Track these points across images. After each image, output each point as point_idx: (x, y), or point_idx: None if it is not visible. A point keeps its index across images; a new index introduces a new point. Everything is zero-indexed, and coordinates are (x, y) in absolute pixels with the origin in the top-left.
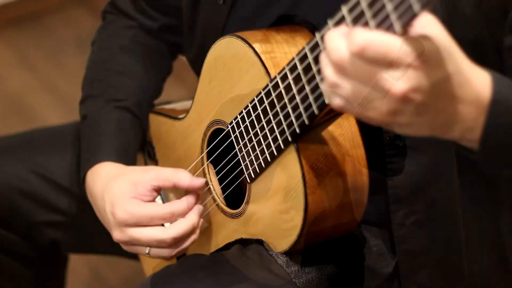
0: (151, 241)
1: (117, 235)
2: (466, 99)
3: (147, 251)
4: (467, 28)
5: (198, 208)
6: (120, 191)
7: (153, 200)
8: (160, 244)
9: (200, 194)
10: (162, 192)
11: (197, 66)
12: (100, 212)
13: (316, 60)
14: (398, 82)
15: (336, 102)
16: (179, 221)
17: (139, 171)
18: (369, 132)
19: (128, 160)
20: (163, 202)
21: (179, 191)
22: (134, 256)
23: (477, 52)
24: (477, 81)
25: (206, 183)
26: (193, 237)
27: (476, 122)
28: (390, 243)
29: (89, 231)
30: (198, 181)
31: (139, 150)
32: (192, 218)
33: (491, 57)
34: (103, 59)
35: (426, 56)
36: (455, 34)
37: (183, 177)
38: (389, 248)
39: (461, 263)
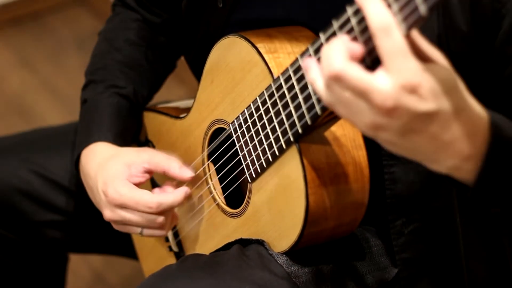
0: (139, 206)
1: (108, 214)
2: (463, 137)
3: (139, 231)
4: (464, 43)
5: (184, 189)
6: (114, 171)
7: (146, 181)
8: (146, 209)
9: (191, 190)
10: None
11: (196, 67)
12: (92, 191)
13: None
14: (386, 97)
15: (326, 99)
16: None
17: (132, 152)
18: (367, 142)
19: (124, 144)
20: (153, 184)
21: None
22: (134, 256)
23: (472, 66)
24: (477, 121)
25: (206, 182)
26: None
27: (467, 162)
28: (391, 247)
29: (89, 231)
30: (187, 172)
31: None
32: (178, 195)
33: (484, 72)
34: (108, 49)
35: (430, 84)
36: (452, 47)
37: (173, 166)
38: (389, 250)
39: (461, 271)
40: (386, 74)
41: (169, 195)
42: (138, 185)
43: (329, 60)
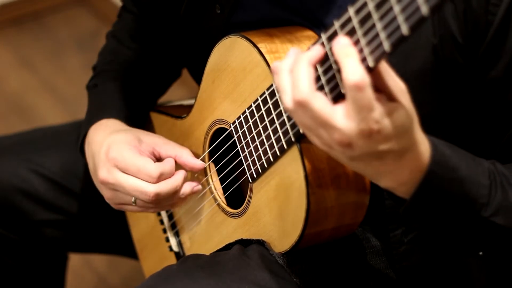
0: (134, 190)
1: (103, 173)
2: (404, 169)
3: (132, 200)
4: (459, 53)
5: (183, 172)
6: (122, 138)
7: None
8: (142, 196)
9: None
10: None
11: (195, 72)
12: (93, 156)
13: (322, 61)
14: (344, 136)
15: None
16: (165, 180)
17: (145, 132)
18: None
19: (134, 126)
20: None
21: None
22: (134, 256)
23: (465, 73)
24: (419, 157)
25: (207, 182)
26: (177, 199)
27: (402, 186)
28: (390, 252)
29: (89, 230)
30: (198, 163)
31: None
32: (176, 179)
33: (476, 77)
34: (117, 46)
35: (387, 130)
36: (447, 55)
37: (185, 153)
38: (388, 252)
39: (462, 278)
40: (348, 118)
41: (169, 164)
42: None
43: (297, 84)
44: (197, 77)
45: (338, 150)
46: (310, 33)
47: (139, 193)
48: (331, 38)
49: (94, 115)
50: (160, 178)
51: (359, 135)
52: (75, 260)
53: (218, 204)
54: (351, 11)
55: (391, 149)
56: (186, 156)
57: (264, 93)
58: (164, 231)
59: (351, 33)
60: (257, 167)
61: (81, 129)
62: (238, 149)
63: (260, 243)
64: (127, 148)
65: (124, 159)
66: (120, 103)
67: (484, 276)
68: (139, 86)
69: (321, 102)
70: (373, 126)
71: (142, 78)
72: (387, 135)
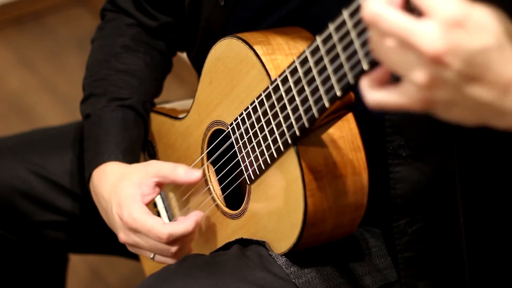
0: (153, 249)
1: (123, 236)
2: None
3: (151, 256)
4: None
5: (195, 218)
6: (126, 193)
7: (158, 194)
8: (157, 239)
9: (203, 212)
10: (163, 192)
11: (198, 65)
12: (107, 213)
13: (317, 63)
14: (432, 39)
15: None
16: (178, 222)
17: (141, 169)
18: (373, 141)
19: (134, 159)
20: (163, 201)
21: (178, 190)
22: (134, 256)
23: None
24: None
25: (206, 183)
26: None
27: None
28: (392, 248)
29: (89, 231)
30: (194, 175)
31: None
32: (190, 222)
33: None
34: (105, 57)
35: (477, 15)
36: None
37: (179, 173)
38: (389, 251)
39: (463, 271)
40: (427, 18)
41: (180, 225)
42: (150, 203)
43: (365, 4)
44: (200, 70)
45: (440, 73)
46: (307, 34)
47: (154, 236)
48: (326, 41)
49: (92, 157)
50: (170, 238)
51: (446, 28)
52: (75, 260)
53: (217, 205)
54: (345, 14)
55: (496, 42)
56: (180, 176)
57: (260, 95)
58: None
59: (345, 36)
60: (255, 168)
61: (85, 166)
62: (235, 151)
63: (260, 243)
64: (136, 206)
65: (134, 221)
66: (115, 138)
67: (487, 270)
68: (137, 96)
69: (395, 13)
70: (455, 11)
71: (139, 85)
72: (480, 21)
